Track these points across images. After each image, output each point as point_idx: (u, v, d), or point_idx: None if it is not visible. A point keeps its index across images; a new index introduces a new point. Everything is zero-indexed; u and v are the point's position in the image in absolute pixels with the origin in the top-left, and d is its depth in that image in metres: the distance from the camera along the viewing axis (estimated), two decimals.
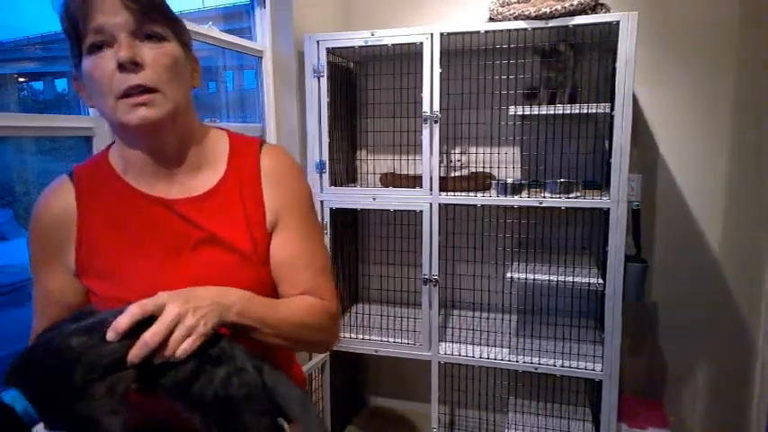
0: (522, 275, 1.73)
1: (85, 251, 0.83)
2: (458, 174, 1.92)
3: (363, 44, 1.80)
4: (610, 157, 1.62)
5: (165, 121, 0.78)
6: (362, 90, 2.20)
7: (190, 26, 1.56)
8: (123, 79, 0.74)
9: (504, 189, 1.76)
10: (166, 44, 0.78)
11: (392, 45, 1.79)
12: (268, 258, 0.89)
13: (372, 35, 1.79)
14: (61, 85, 1.60)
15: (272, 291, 0.90)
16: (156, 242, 0.84)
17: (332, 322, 0.91)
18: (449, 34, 1.72)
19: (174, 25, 0.80)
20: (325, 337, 0.92)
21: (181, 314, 0.69)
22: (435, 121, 1.75)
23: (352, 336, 1.95)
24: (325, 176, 1.90)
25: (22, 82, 1.59)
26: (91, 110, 1.32)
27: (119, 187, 0.85)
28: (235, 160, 0.90)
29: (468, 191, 1.82)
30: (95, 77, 0.75)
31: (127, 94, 0.74)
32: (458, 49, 1.89)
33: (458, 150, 1.92)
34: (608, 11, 1.66)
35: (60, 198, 0.85)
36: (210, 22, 1.68)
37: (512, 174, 2.03)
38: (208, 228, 0.85)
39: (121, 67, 0.73)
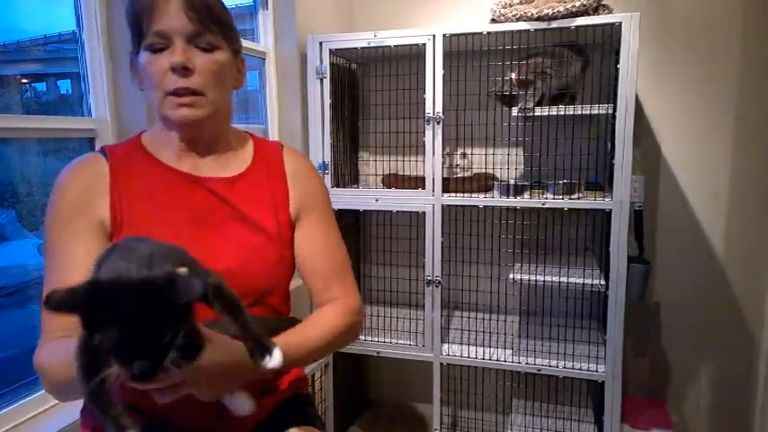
0: (525, 276, 1.73)
1: (119, 218, 0.85)
2: (460, 175, 1.92)
3: (366, 45, 1.80)
4: (612, 158, 1.62)
5: (205, 120, 0.87)
6: (365, 91, 2.20)
7: None
8: (174, 80, 0.83)
9: (507, 190, 1.76)
10: (217, 52, 0.86)
11: (395, 46, 1.79)
12: (290, 241, 0.96)
13: (375, 36, 1.79)
14: (64, 86, 1.60)
15: (290, 268, 0.98)
16: (185, 213, 0.88)
17: (357, 317, 0.99)
18: (451, 35, 1.72)
19: (228, 34, 0.88)
20: (354, 332, 0.99)
21: None
22: (438, 123, 1.74)
23: None
24: (328, 177, 1.90)
25: (24, 83, 1.59)
26: (93, 112, 1.33)
27: (151, 163, 0.91)
28: (260, 154, 0.99)
29: (471, 192, 1.82)
30: (150, 72, 0.83)
31: (174, 93, 0.83)
32: (460, 51, 1.89)
33: (460, 152, 1.92)
34: (610, 12, 1.66)
35: (93, 165, 0.88)
36: None
37: (514, 175, 2.03)
38: (237, 207, 0.91)
39: (174, 69, 0.82)
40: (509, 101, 1.78)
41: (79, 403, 0.94)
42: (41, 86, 1.65)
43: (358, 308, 0.99)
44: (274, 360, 0.71)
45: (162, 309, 0.55)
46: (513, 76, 1.73)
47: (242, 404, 0.78)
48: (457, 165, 1.98)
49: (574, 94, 1.80)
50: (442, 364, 1.86)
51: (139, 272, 0.57)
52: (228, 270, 0.84)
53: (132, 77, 0.91)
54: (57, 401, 1.21)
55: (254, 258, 0.90)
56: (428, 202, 1.80)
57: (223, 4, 0.89)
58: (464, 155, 2.00)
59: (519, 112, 1.71)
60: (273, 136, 1.98)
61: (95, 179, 0.86)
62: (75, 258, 0.81)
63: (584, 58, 1.77)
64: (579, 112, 1.67)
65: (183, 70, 0.82)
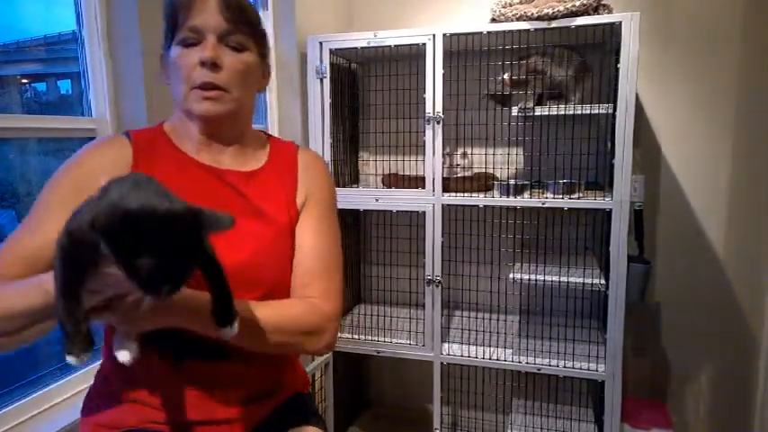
0: (525, 276, 1.73)
1: None
2: (460, 175, 1.92)
3: (366, 45, 1.80)
4: (612, 157, 1.62)
5: (226, 116, 0.89)
6: (365, 91, 2.20)
7: None
8: (201, 74, 0.85)
9: (507, 190, 1.76)
10: (246, 53, 0.89)
11: (395, 46, 1.79)
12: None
13: (375, 36, 1.79)
14: (64, 86, 1.60)
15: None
16: (203, 204, 0.87)
17: (328, 324, 0.91)
18: (451, 35, 1.72)
19: (257, 37, 0.92)
20: (319, 339, 0.91)
21: None
22: (438, 122, 1.75)
23: (355, 336, 1.95)
24: None
25: (24, 83, 1.59)
26: (93, 111, 1.33)
27: (173, 152, 0.92)
28: (275, 152, 1.01)
29: (471, 192, 1.82)
30: (179, 66, 0.86)
31: (200, 86, 0.86)
32: (460, 50, 1.89)
33: (460, 152, 1.93)
34: (610, 11, 1.66)
35: (117, 147, 0.89)
36: None
37: (514, 174, 2.03)
38: (252, 201, 0.93)
39: (203, 63, 0.85)
40: (503, 101, 1.79)
41: (79, 402, 0.94)
42: (41, 86, 1.65)
43: (332, 316, 0.92)
44: (231, 331, 0.73)
45: (191, 239, 0.60)
46: (506, 76, 1.73)
47: (129, 349, 0.76)
48: (457, 164, 1.98)
49: (569, 95, 1.78)
50: (442, 363, 1.86)
51: (162, 204, 0.59)
52: (241, 262, 0.85)
53: (160, 72, 0.93)
54: (55, 402, 1.22)
55: (265, 251, 0.90)
56: (428, 201, 1.80)
57: (256, 9, 0.93)
58: (464, 154, 2.00)
59: (519, 111, 1.71)
60: (274, 135, 1.97)
61: (117, 160, 0.87)
62: (48, 233, 0.76)
63: (582, 59, 1.76)
64: (579, 112, 1.67)
65: (212, 66, 0.85)
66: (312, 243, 0.96)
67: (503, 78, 1.75)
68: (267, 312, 0.84)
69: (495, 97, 1.83)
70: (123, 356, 0.76)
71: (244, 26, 0.88)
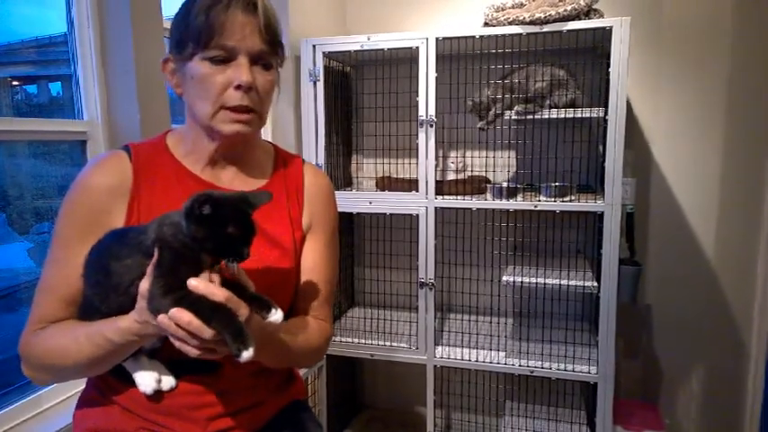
0: (518, 279, 1.74)
1: (134, 222, 0.85)
2: (453, 177, 1.93)
3: (359, 48, 1.80)
4: (604, 160, 1.63)
5: (251, 135, 0.89)
6: (358, 94, 2.20)
7: None
8: (237, 97, 0.83)
9: (500, 193, 1.76)
10: (272, 71, 0.88)
11: (388, 49, 1.80)
12: (300, 256, 0.98)
13: (368, 40, 1.79)
14: (55, 88, 1.59)
15: (298, 281, 0.98)
16: None
17: (327, 344, 1.00)
18: (444, 39, 1.72)
19: (282, 55, 0.90)
20: (319, 357, 1.01)
21: None
22: (431, 125, 1.75)
23: (348, 340, 1.95)
24: None
25: (15, 85, 1.58)
26: (85, 114, 1.32)
27: (174, 167, 0.90)
28: (281, 168, 0.99)
29: (464, 194, 1.83)
30: (207, 85, 0.83)
31: (232, 108, 0.84)
32: (453, 54, 1.90)
33: (454, 155, 1.93)
34: (602, 16, 1.67)
35: (117, 168, 0.87)
36: None
37: (507, 177, 2.03)
38: (256, 222, 0.89)
39: (239, 86, 0.82)
40: (485, 115, 1.81)
41: (71, 407, 0.94)
42: (32, 89, 1.64)
43: (330, 336, 1.01)
44: (278, 315, 0.77)
45: (249, 213, 0.75)
46: (489, 93, 1.76)
47: (157, 370, 0.85)
48: (450, 167, 1.99)
49: (559, 101, 1.78)
50: (435, 366, 1.86)
51: (226, 193, 0.76)
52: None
53: (169, 81, 0.89)
54: (47, 406, 1.21)
55: (270, 272, 0.90)
56: (421, 204, 1.80)
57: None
58: (457, 157, 2.00)
59: (495, 116, 1.75)
60: (267, 138, 1.97)
61: (117, 182, 0.85)
62: (76, 268, 0.80)
63: (564, 68, 1.77)
64: (571, 116, 1.69)
65: (249, 89, 0.83)
66: (320, 268, 0.98)
67: (481, 99, 1.77)
68: (300, 336, 0.91)
69: (477, 111, 1.84)
70: (148, 386, 0.83)
71: (276, 47, 0.87)
